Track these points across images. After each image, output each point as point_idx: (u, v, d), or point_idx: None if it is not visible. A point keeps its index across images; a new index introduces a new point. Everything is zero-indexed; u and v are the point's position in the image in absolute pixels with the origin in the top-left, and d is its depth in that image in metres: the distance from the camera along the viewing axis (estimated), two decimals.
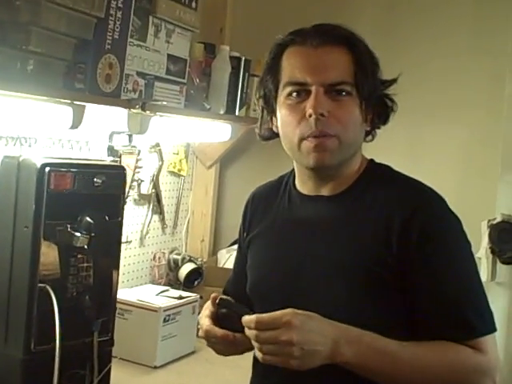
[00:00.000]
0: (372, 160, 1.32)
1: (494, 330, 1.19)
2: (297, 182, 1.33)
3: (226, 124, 2.35)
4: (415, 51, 2.47)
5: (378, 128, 1.30)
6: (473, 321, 1.16)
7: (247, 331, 1.11)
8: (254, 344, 1.11)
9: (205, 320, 1.25)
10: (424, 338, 1.16)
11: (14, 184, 1.42)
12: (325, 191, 1.27)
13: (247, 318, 1.11)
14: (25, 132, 1.81)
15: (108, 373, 1.53)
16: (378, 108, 1.27)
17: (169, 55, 1.94)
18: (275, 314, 1.10)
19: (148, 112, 1.80)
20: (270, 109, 1.29)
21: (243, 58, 2.35)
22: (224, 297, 1.23)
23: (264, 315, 1.10)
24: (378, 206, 1.21)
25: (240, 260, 1.44)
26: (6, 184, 1.44)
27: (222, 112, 2.25)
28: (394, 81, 1.29)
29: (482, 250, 2.33)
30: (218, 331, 1.22)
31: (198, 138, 2.50)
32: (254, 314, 1.14)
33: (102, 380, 1.51)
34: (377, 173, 1.28)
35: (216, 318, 1.23)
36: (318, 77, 1.19)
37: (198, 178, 2.71)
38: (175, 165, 2.55)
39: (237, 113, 2.36)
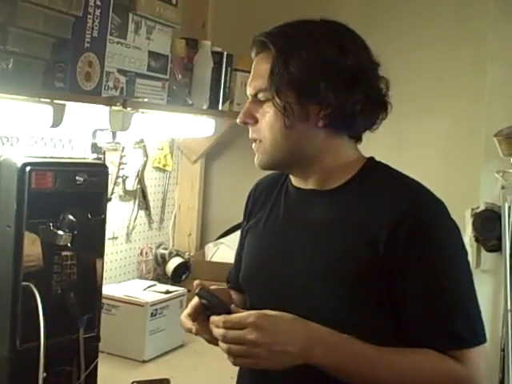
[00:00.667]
0: (371, 158, 1.30)
1: (484, 341, 1.17)
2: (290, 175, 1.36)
3: (210, 119, 2.37)
4: (397, 41, 2.49)
5: (369, 130, 1.29)
6: (461, 332, 1.15)
7: (215, 331, 1.12)
8: (222, 346, 1.12)
9: (186, 309, 1.28)
10: (409, 345, 1.16)
11: None
12: (311, 185, 1.28)
13: (215, 319, 1.13)
14: (6, 131, 1.82)
15: (95, 368, 1.55)
16: (311, 99, 1.20)
17: (150, 52, 1.95)
18: (242, 314, 1.12)
19: (130, 109, 1.80)
20: None
21: (225, 53, 2.36)
22: (205, 288, 1.24)
23: (232, 316, 1.12)
24: (369, 203, 1.20)
25: (239, 249, 1.46)
26: None
27: (205, 107, 2.26)
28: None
29: (466, 239, 2.36)
30: (187, 323, 1.25)
31: (181, 134, 2.51)
32: (229, 309, 1.15)
33: (90, 375, 1.53)
34: (373, 171, 1.27)
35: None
36: (248, 89, 1.27)
37: (183, 173, 2.73)
38: (160, 160, 2.56)
39: (220, 107, 2.37)
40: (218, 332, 1.12)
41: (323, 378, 1.14)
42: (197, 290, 1.23)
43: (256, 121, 1.25)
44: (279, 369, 1.11)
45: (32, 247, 1.42)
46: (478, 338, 1.17)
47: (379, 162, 1.31)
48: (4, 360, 1.42)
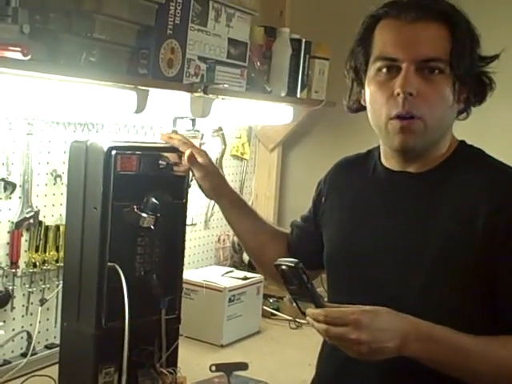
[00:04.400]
0: (463, 141, 1.27)
1: None
2: (382, 156, 1.30)
3: (288, 106, 2.36)
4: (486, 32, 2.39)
5: (474, 106, 1.25)
6: None
7: (315, 324, 1.10)
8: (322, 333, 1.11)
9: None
10: (502, 333, 1.13)
11: (82, 167, 1.47)
12: (411, 168, 1.24)
13: (314, 312, 1.10)
14: (92, 118, 1.88)
15: (176, 350, 1.58)
16: (475, 86, 1.21)
17: (229, 39, 1.96)
18: (344, 310, 1.10)
19: (210, 95, 1.82)
20: (360, 81, 1.27)
21: (303, 40, 2.35)
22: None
23: (333, 310, 1.10)
24: (465, 189, 1.17)
25: (308, 217, 1.48)
26: (76, 167, 1.49)
27: (283, 94, 2.26)
28: (495, 57, 1.22)
29: None
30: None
31: (259, 121, 2.52)
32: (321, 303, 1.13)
33: (170, 357, 1.56)
34: (467, 155, 1.24)
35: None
36: (409, 53, 1.15)
37: (260, 161, 2.74)
38: (238, 148, 2.57)
39: (298, 95, 2.37)
40: (319, 327, 1.10)
41: (413, 367, 1.12)
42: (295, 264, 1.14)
43: (416, 93, 1.15)
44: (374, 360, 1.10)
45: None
46: None
47: (471, 146, 1.27)
48: (90, 337, 1.46)
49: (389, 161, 1.28)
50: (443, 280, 1.15)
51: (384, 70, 1.18)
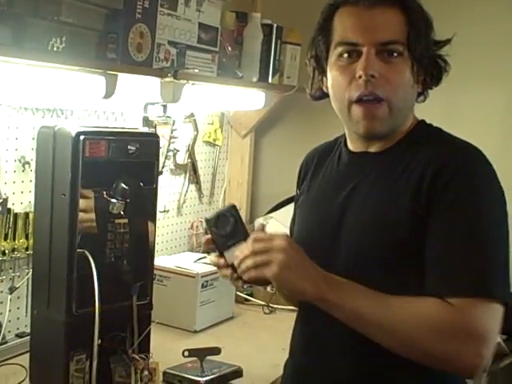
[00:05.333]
0: (422, 121, 1.30)
1: (498, 297, 1.09)
2: (347, 140, 1.33)
3: (260, 92, 2.36)
4: (460, 16, 2.41)
5: (431, 89, 1.29)
6: (468, 279, 1.09)
7: (243, 251, 1.15)
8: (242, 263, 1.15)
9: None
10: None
11: (50, 153, 1.45)
12: (372, 149, 1.28)
13: (248, 242, 1.15)
14: (61, 104, 1.85)
15: (148, 335, 1.57)
16: (431, 69, 1.25)
17: (200, 24, 1.95)
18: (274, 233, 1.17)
19: (180, 80, 1.81)
20: (321, 69, 1.29)
21: (275, 25, 2.34)
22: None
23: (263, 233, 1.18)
24: (416, 162, 1.19)
25: (293, 217, 1.47)
26: (43, 153, 1.48)
27: (254, 80, 2.26)
28: (447, 41, 1.26)
29: None
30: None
31: (231, 107, 2.51)
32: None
33: (143, 342, 1.55)
34: (424, 132, 1.26)
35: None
36: (369, 37, 1.18)
37: (233, 148, 2.73)
38: (210, 135, 2.57)
39: (270, 80, 2.36)
40: (246, 247, 1.14)
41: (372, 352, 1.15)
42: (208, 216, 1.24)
43: (378, 75, 1.18)
44: (287, 288, 1.16)
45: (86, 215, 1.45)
46: (488, 290, 1.09)
47: (430, 125, 1.30)
48: (61, 324, 1.45)
49: (353, 143, 1.31)
50: (389, 241, 1.18)
51: (345, 55, 1.21)
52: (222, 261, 1.23)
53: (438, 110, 2.19)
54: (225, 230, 1.22)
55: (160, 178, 2.12)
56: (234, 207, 1.24)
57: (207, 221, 1.25)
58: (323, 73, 1.29)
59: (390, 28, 1.19)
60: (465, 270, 1.10)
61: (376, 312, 1.12)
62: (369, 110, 1.19)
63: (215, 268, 2.08)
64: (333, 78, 1.24)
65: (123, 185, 1.46)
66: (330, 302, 1.13)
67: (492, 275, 1.11)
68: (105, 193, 1.45)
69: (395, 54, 1.19)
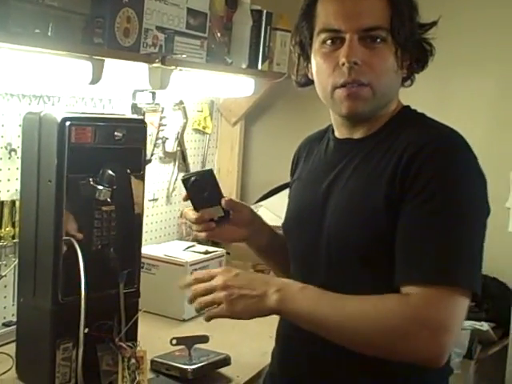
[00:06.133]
0: (407, 106, 1.29)
1: (462, 286, 1.07)
2: (334, 127, 1.34)
3: (249, 78, 2.34)
4: (450, 2, 2.40)
5: (417, 73, 1.28)
6: (430, 267, 1.07)
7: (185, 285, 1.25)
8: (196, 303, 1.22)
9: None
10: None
11: (36, 139, 1.43)
12: (356, 135, 1.27)
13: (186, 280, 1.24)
14: (48, 90, 1.83)
15: (135, 324, 1.56)
16: (416, 53, 1.24)
17: (188, 9, 1.93)
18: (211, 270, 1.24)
19: (168, 66, 1.79)
20: (306, 55, 1.29)
21: (264, 11, 2.32)
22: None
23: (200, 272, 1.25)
24: (395, 148, 1.18)
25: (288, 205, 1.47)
26: (29, 139, 1.46)
27: (244, 66, 2.24)
28: (433, 24, 1.25)
29: (510, 200, 2.31)
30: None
31: (220, 93, 2.50)
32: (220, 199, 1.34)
33: (130, 331, 1.54)
34: (407, 118, 1.26)
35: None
36: (352, 23, 1.17)
37: (223, 136, 2.71)
38: (200, 122, 2.55)
39: (259, 67, 2.34)
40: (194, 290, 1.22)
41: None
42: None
43: (361, 62, 1.17)
44: (245, 317, 1.18)
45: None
46: (450, 278, 1.07)
47: (413, 110, 1.29)
48: (47, 312, 1.44)
49: (338, 129, 1.31)
50: (365, 228, 1.17)
51: (328, 41, 1.21)
52: (196, 216, 1.35)
53: (427, 95, 2.18)
54: (202, 193, 1.33)
55: (149, 166, 2.12)
56: (211, 173, 1.36)
57: (184, 181, 1.35)
58: (308, 59, 1.29)
59: (373, 14, 1.18)
60: (426, 258, 1.08)
61: (333, 316, 1.11)
62: (351, 91, 1.19)
63: (205, 256, 2.11)
64: (317, 65, 1.24)
65: (110, 171, 1.44)
66: (285, 314, 1.16)
67: (455, 263, 1.08)
68: (91, 179, 1.44)
69: (378, 40, 1.18)
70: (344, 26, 1.18)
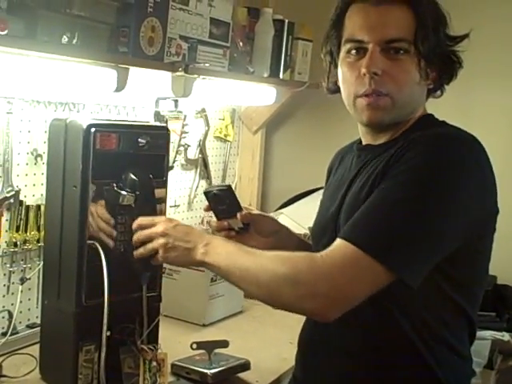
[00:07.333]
0: (430, 115, 1.31)
1: (375, 254, 1.08)
2: (360, 135, 1.37)
3: (271, 87, 2.36)
4: (474, 15, 2.40)
5: (447, 84, 1.30)
6: (351, 229, 1.13)
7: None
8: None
9: None
10: None
11: (62, 145, 1.46)
12: (378, 141, 1.30)
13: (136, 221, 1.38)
14: (73, 98, 1.87)
15: (157, 327, 1.58)
16: (443, 65, 1.26)
17: (211, 19, 1.96)
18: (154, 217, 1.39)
19: (191, 75, 1.82)
20: (335, 64, 1.34)
21: (286, 21, 2.35)
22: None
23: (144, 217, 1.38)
24: (395, 147, 1.21)
25: None
26: (55, 145, 1.49)
27: (265, 75, 2.26)
28: (464, 37, 1.27)
29: None
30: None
31: (242, 102, 2.52)
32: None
33: (151, 334, 1.56)
34: (425, 125, 1.26)
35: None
36: (375, 35, 1.21)
37: (244, 144, 2.74)
38: (221, 130, 2.57)
39: (281, 76, 2.37)
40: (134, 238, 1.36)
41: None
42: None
43: (381, 72, 1.21)
44: (177, 265, 1.44)
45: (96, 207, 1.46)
46: (359, 237, 1.10)
47: (434, 118, 1.30)
48: (70, 315, 1.46)
49: (364, 137, 1.34)
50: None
51: (353, 51, 1.25)
52: (217, 224, 1.46)
53: (448, 107, 2.18)
54: (222, 205, 1.44)
55: (171, 172, 2.14)
56: (229, 189, 1.45)
57: (205, 194, 1.46)
58: (337, 67, 1.33)
59: (396, 25, 1.21)
60: (360, 221, 1.13)
61: (244, 262, 1.21)
62: (371, 100, 1.22)
63: None
64: (342, 74, 1.29)
65: (133, 176, 1.46)
66: (207, 265, 1.27)
67: (381, 235, 1.10)
68: (115, 185, 1.46)
69: (401, 52, 1.20)
70: (367, 37, 1.21)
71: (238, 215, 1.43)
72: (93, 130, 1.43)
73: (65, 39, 1.44)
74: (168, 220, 1.36)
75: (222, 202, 1.44)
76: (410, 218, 1.10)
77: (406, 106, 1.24)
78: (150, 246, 1.34)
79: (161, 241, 1.31)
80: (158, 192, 1.54)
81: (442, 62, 1.25)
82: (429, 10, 1.23)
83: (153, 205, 1.49)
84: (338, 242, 1.13)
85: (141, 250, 1.36)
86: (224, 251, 1.25)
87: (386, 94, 1.21)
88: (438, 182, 1.11)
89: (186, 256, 1.28)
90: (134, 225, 1.37)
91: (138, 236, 1.37)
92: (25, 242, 1.76)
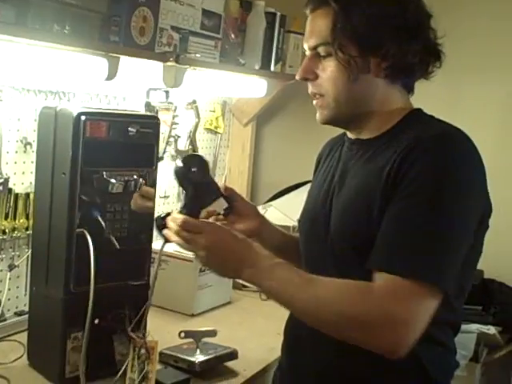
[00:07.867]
0: (417, 109, 1.30)
1: (423, 279, 1.08)
2: None
3: (262, 80, 2.37)
4: (462, 10, 2.42)
5: (426, 79, 1.29)
6: (393, 258, 1.10)
7: (168, 223, 1.26)
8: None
9: None
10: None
11: (51, 133, 1.47)
12: (362, 135, 1.31)
13: (176, 216, 1.26)
14: (63, 86, 1.87)
15: (145, 315, 1.59)
16: (393, 55, 1.22)
17: (203, 10, 1.96)
18: (202, 221, 1.29)
19: (182, 65, 1.82)
20: None
21: (278, 14, 2.35)
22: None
23: (191, 219, 1.26)
24: (395, 147, 1.20)
25: None
26: (45, 133, 1.50)
27: (257, 67, 2.27)
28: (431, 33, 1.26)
29: None
30: None
31: (233, 94, 2.53)
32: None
33: (139, 322, 1.57)
34: (414, 120, 1.27)
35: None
36: (306, 43, 1.28)
37: (234, 136, 2.74)
38: (212, 122, 2.58)
39: (272, 68, 2.37)
40: (172, 227, 1.25)
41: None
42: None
43: (316, 76, 1.26)
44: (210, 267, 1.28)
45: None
46: (418, 273, 1.08)
47: (423, 113, 1.30)
48: (59, 302, 1.47)
49: (350, 132, 1.36)
50: (356, 227, 1.21)
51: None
52: (205, 215, 1.37)
53: (436, 102, 2.20)
54: (201, 197, 1.35)
55: (161, 163, 2.14)
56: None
57: (185, 188, 1.38)
58: None
59: (318, 31, 1.24)
60: (398, 249, 1.11)
61: (297, 299, 1.16)
62: (316, 102, 1.29)
63: None
64: None
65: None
66: (256, 286, 1.22)
67: (425, 259, 1.10)
68: (104, 173, 1.47)
69: (324, 55, 1.24)
70: (305, 46, 1.29)
71: (222, 190, 1.39)
72: (83, 118, 1.43)
73: (56, 27, 1.44)
74: (214, 232, 1.24)
75: (201, 189, 1.34)
76: (441, 237, 1.11)
77: (349, 101, 1.25)
78: (189, 248, 1.26)
79: (201, 253, 1.23)
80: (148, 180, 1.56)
81: (397, 53, 1.21)
82: (352, 5, 1.20)
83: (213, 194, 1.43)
84: (390, 278, 1.09)
85: (179, 243, 1.26)
86: (272, 276, 1.18)
87: (322, 95, 1.26)
88: (453, 195, 1.12)
89: (227, 273, 1.27)
90: (179, 221, 1.24)
91: (179, 235, 1.24)
92: (13, 229, 1.76)
